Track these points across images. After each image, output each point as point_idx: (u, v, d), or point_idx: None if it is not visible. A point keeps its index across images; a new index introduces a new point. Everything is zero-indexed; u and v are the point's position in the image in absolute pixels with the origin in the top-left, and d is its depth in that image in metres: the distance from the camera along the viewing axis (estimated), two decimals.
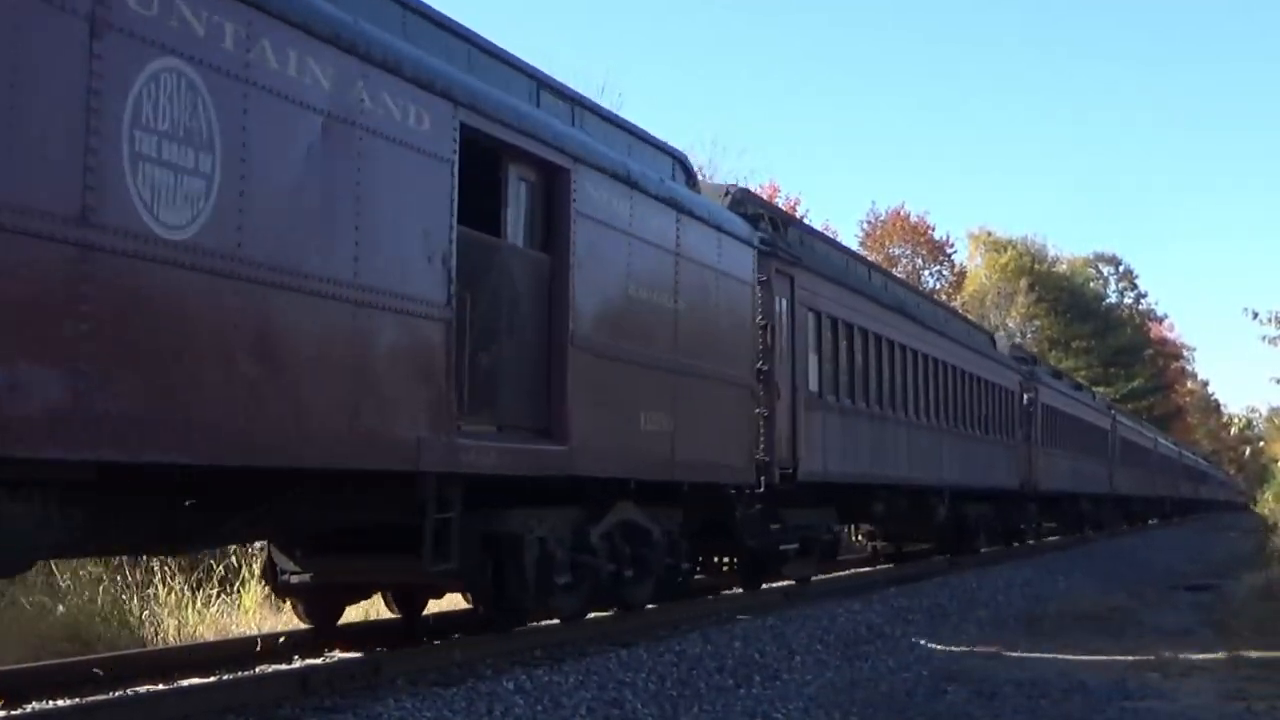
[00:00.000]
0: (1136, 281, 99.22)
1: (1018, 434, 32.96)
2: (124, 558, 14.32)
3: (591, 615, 15.12)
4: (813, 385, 18.79)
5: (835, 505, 20.26)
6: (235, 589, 15.45)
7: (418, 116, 9.69)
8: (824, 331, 19.43)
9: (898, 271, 57.84)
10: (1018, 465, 32.77)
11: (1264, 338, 30.78)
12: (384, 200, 9.36)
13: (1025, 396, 33.70)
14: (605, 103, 16.32)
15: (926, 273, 69.51)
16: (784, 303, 17.69)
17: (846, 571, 24.21)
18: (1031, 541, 36.29)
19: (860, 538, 28.82)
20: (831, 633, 14.95)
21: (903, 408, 23.35)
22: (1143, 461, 60.26)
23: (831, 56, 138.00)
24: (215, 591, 15.01)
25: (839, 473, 19.54)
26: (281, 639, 12.11)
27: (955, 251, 73.68)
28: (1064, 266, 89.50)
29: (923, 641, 15.65)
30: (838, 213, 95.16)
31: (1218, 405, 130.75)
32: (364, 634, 12.89)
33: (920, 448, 24.40)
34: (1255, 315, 30.46)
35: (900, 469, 23.05)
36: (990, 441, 30.12)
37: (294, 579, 11.95)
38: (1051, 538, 40.77)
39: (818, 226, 34.95)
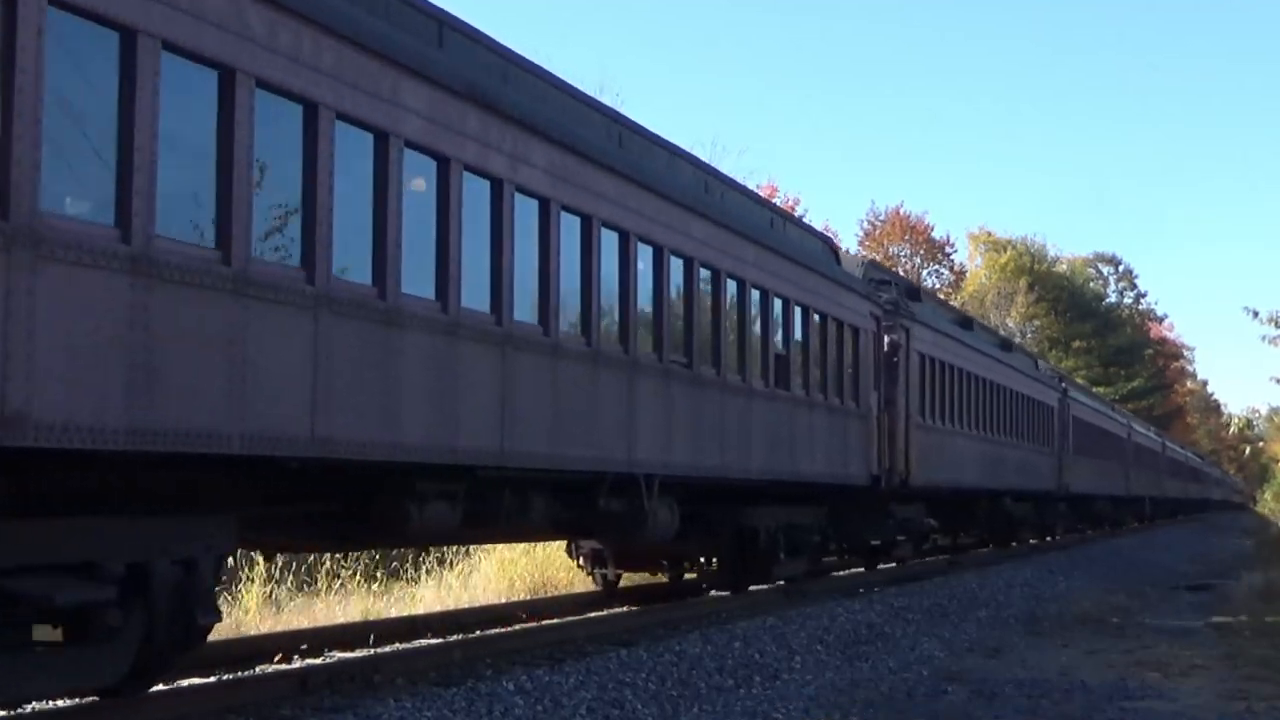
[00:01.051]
0: (1136, 281, 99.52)
1: (867, 396, 20.92)
2: None
3: (592, 614, 15.17)
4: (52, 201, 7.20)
5: (236, 512, 9.26)
6: (236, 589, 15.46)
7: None
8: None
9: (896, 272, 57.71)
10: (866, 445, 20.75)
11: (1264, 337, 30.96)
12: None
13: (886, 339, 21.92)
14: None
15: (926, 272, 69.59)
16: None
17: None
18: (901, 563, 24.92)
19: (580, 561, 18.05)
20: (831, 633, 14.94)
21: (489, 309, 11.09)
22: (1111, 452, 48.48)
23: (832, 56, 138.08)
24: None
25: (145, 430, 7.68)
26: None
27: (955, 251, 73.87)
28: (1064, 266, 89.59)
29: (923, 641, 15.65)
30: (838, 213, 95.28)
31: (1218, 405, 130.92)
32: (365, 634, 12.87)
33: (570, 395, 12.19)
34: (1255, 314, 30.59)
35: (486, 434, 10.94)
36: (801, 404, 18.06)
37: None
38: (957, 555, 29.54)
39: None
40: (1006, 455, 30.75)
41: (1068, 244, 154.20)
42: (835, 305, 19.60)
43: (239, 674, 10.45)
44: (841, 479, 19.70)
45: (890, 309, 22.32)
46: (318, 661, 11.32)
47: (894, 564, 24.64)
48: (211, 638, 11.65)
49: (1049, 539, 38.81)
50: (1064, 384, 40.81)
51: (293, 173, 8.96)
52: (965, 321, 31.26)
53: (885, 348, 21.89)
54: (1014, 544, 33.74)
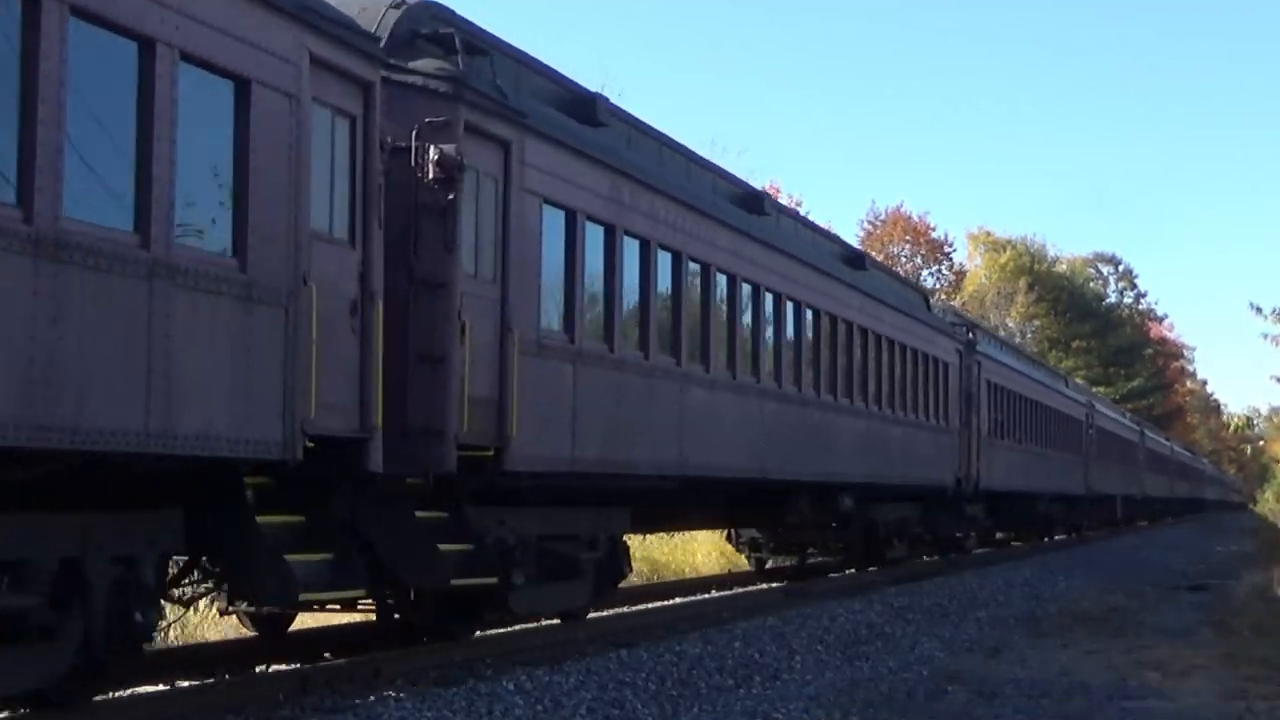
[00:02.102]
0: (1136, 281, 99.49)
1: (297, 253, 8.99)
2: None
3: (592, 615, 15.19)
4: None
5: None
6: None
7: None
8: None
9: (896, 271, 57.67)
10: (291, 371, 8.83)
11: (1266, 335, 30.88)
12: None
13: (432, 151, 10.37)
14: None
15: (926, 272, 69.62)
16: None
17: None
18: (569, 618, 13.90)
19: None
20: (831, 633, 14.94)
21: None
22: (1059, 438, 38.36)
23: (832, 56, 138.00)
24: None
25: None
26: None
27: (955, 251, 73.88)
28: (1064, 266, 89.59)
29: (923, 641, 15.64)
30: (839, 212, 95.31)
31: (1218, 405, 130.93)
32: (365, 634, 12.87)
33: None
34: (1259, 310, 30.52)
35: None
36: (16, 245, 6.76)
37: None
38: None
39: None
40: (841, 427, 20.21)
41: (1068, 244, 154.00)
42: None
43: (239, 674, 10.45)
44: (205, 448, 8.22)
45: (445, 91, 10.61)
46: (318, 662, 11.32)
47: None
48: (214, 638, 11.63)
49: (951, 554, 28.01)
50: (972, 334, 28.73)
51: None
52: (750, 200, 17.93)
53: (422, 164, 10.44)
54: (882, 564, 23.64)
